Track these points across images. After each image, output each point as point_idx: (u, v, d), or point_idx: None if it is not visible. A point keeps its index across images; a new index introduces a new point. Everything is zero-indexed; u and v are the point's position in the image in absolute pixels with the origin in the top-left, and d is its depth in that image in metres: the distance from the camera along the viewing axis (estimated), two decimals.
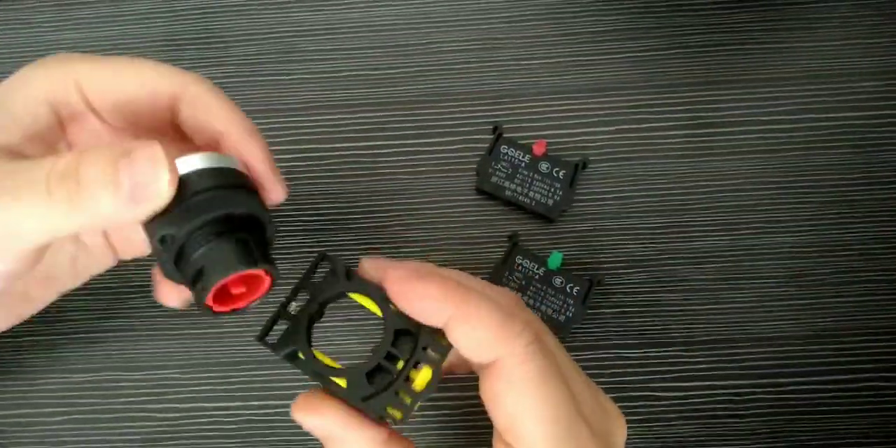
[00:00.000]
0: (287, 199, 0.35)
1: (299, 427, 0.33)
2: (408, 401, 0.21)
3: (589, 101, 0.36)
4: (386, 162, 0.36)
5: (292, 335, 0.22)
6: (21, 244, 0.18)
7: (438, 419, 0.32)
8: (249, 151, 0.21)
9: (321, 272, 0.22)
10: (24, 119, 0.20)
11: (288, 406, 0.33)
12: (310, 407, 0.20)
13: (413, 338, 0.21)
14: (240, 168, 0.21)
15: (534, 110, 0.36)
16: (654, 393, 0.33)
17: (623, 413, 0.32)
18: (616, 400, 0.33)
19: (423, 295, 0.19)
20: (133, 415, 0.33)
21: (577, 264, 0.34)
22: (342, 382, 0.22)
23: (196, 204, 0.19)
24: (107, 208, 0.17)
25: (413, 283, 0.19)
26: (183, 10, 0.38)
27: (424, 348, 0.21)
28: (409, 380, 0.21)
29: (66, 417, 0.33)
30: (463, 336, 0.19)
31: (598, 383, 0.33)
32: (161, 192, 0.17)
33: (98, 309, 0.34)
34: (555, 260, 0.32)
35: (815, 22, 0.37)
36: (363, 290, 0.22)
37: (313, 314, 0.22)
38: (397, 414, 0.21)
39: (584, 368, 0.33)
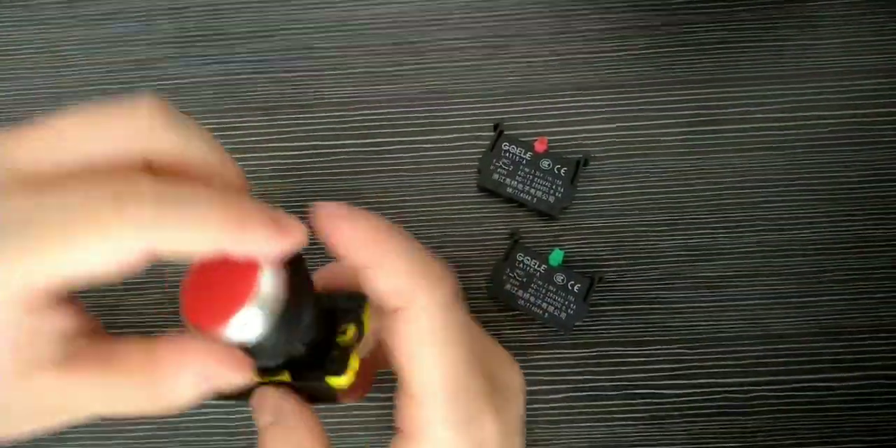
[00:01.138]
0: (290, 196, 0.35)
1: None
2: (337, 353, 0.21)
3: (591, 98, 0.36)
4: (388, 159, 0.36)
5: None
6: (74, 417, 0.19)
7: None
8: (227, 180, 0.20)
9: None
10: (25, 338, 0.18)
11: None
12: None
13: (333, 314, 0.22)
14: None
15: (536, 107, 0.36)
16: (657, 391, 0.33)
17: (626, 411, 0.33)
18: (618, 397, 0.33)
19: (351, 234, 0.19)
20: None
21: (578, 261, 0.34)
22: (286, 377, 0.21)
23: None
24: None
25: (344, 221, 0.19)
26: (189, 6, 0.38)
27: (346, 315, 0.22)
28: (338, 344, 0.22)
29: None
30: (383, 279, 0.19)
31: (600, 380, 0.33)
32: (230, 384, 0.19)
33: (106, 305, 0.34)
34: (556, 257, 0.32)
35: (818, 20, 0.37)
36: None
37: None
38: (341, 380, 0.21)
39: (585, 365, 0.33)
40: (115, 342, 0.19)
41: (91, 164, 0.17)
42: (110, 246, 0.16)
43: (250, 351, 0.19)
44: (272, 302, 0.18)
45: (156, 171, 0.19)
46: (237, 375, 0.18)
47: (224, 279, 0.18)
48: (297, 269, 0.19)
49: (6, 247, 0.16)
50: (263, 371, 0.21)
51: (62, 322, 0.18)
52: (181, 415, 0.33)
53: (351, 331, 0.22)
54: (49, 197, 0.16)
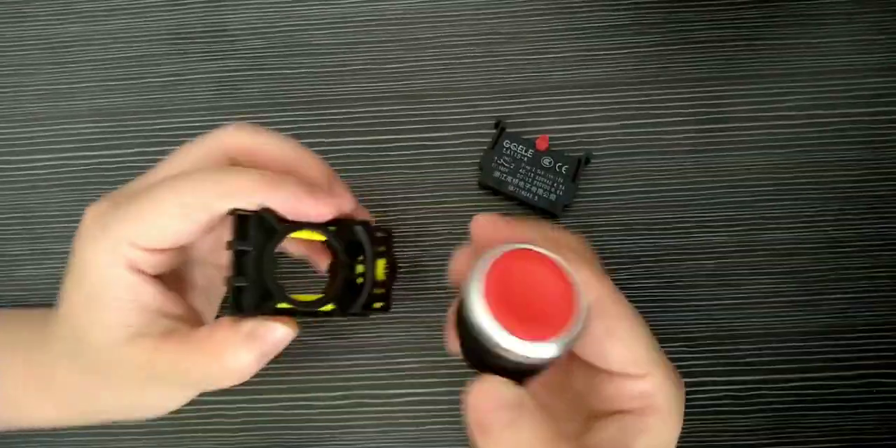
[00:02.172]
0: None
1: (299, 422, 0.33)
2: (380, 291, 0.26)
3: (593, 96, 0.36)
4: (389, 156, 0.36)
5: (264, 292, 0.23)
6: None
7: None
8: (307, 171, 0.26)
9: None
10: (131, 302, 0.23)
11: (290, 400, 0.33)
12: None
13: (361, 246, 0.25)
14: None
15: (538, 105, 0.36)
16: None
17: None
18: None
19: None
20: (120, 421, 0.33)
21: None
22: (329, 308, 0.24)
23: None
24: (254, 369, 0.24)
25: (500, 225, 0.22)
26: (189, 2, 0.38)
27: (374, 249, 0.25)
28: (373, 278, 0.25)
29: None
30: (620, 349, 0.21)
31: None
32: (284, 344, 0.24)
33: None
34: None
35: (821, 18, 0.37)
36: (298, 225, 0.23)
37: (269, 266, 0.23)
38: (380, 305, 0.26)
39: None
40: (200, 328, 0.23)
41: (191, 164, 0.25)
42: (182, 204, 0.22)
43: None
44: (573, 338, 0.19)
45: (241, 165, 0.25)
46: (282, 332, 0.23)
47: (534, 291, 0.19)
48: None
49: (111, 221, 0.23)
50: (312, 310, 0.24)
51: (162, 299, 0.23)
52: (184, 411, 0.33)
53: (382, 265, 0.25)
54: (143, 190, 0.23)
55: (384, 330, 0.34)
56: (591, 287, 0.20)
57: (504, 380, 0.19)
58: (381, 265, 0.25)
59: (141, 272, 0.23)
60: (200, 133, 0.36)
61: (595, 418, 0.22)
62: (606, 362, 0.21)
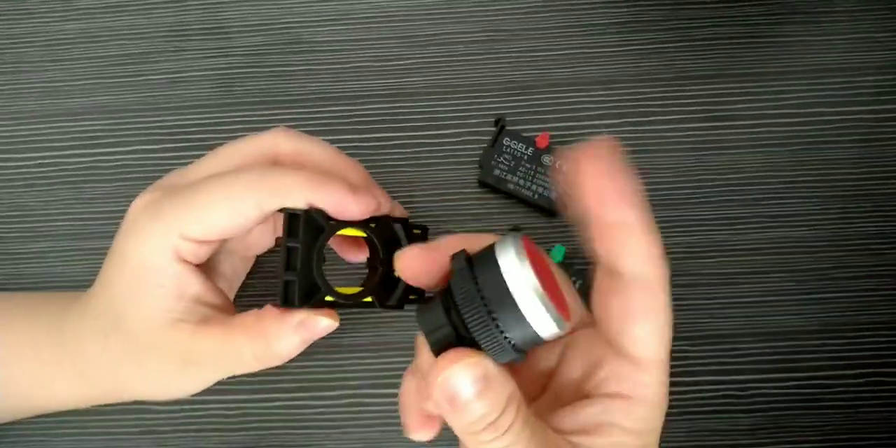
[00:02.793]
0: None
1: (298, 422, 0.33)
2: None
3: (594, 93, 0.36)
4: (389, 154, 0.36)
5: (311, 287, 0.24)
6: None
7: None
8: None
9: None
10: (174, 289, 0.25)
11: (288, 399, 0.33)
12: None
13: (398, 242, 0.26)
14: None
15: (538, 102, 0.36)
16: None
17: None
18: None
19: (610, 186, 0.19)
20: (133, 407, 0.33)
21: (579, 258, 0.34)
22: (369, 299, 0.25)
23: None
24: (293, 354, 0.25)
25: (607, 174, 0.19)
26: (187, 0, 0.38)
27: (411, 244, 0.25)
28: None
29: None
30: (635, 244, 0.20)
31: None
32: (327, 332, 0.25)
33: None
34: (557, 253, 0.32)
35: (822, 16, 0.37)
36: (343, 224, 0.24)
37: (318, 262, 0.24)
38: (414, 297, 0.26)
39: None
40: (237, 315, 0.25)
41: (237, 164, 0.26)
42: (232, 200, 0.23)
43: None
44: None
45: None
46: (327, 323, 0.24)
47: (547, 277, 0.20)
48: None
49: (163, 211, 0.24)
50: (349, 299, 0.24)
51: (201, 288, 0.25)
52: (180, 411, 0.33)
53: None
54: (194, 184, 0.24)
55: (384, 329, 0.34)
56: (657, 265, 0.20)
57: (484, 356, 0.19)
58: None
59: (185, 261, 0.24)
60: (199, 130, 0.36)
61: (576, 400, 0.22)
62: (630, 341, 0.21)
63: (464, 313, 0.19)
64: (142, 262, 0.24)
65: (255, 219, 0.24)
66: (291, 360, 0.33)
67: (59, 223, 0.35)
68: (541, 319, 0.19)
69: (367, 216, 0.25)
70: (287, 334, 0.24)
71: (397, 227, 0.26)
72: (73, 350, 0.27)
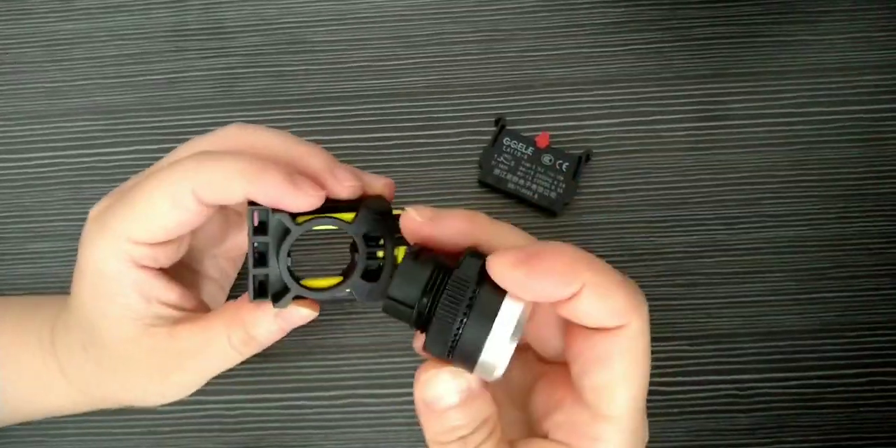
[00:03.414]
0: None
1: (296, 422, 0.33)
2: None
3: (594, 93, 0.36)
4: (389, 154, 0.36)
5: (284, 283, 0.23)
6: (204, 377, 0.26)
7: None
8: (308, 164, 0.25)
9: None
10: (138, 296, 0.24)
11: (286, 399, 0.33)
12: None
13: (382, 228, 0.24)
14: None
15: (538, 102, 0.36)
16: (658, 387, 0.33)
17: None
18: None
19: (549, 271, 0.18)
20: (132, 407, 0.33)
21: None
22: (347, 292, 0.24)
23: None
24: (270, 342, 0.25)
25: (534, 263, 0.18)
26: (187, 0, 0.38)
27: (392, 235, 0.24)
28: (394, 264, 0.23)
29: None
30: (600, 300, 0.18)
31: None
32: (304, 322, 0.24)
33: None
34: None
35: (820, 15, 0.37)
36: (315, 221, 0.23)
37: (283, 259, 0.23)
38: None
39: None
40: (211, 313, 0.25)
41: None
42: (169, 195, 0.22)
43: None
44: None
45: None
46: (305, 312, 0.24)
47: None
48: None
49: (109, 219, 0.23)
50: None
51: (167, 292, 0.24)
52: (180, 411, 0.33)
53: (402, 252, 0.24)
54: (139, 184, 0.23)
55: (381, 329, 0.33)
56: (627, 317, 0.19)
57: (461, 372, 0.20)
58: (401, 252, 0.24)
59: (144, 267, 0.24)
60: (198, 130, 0.36)
61: (535, 435, 0.21)
62: (588, 388, 0.19)
63: (446, 294, 0.19)
64: (99, 272, 0.24)
65: (198, 212, 0.23)
66: (290, 361, 0.33)
67: (57, 223, 0.35)
68: (495, 353, 0.19)
69: (312, 208, 0.23)
70: (265, 320, 0.24)
71: (375, 217, 0.24)
72: (60, 360, 0.27)
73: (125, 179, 0.35)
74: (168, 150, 0.36)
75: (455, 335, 0.19)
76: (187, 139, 0.36)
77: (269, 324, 0.24)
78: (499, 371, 0.19)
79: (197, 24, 0.38)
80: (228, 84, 0.37)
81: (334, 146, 0.36)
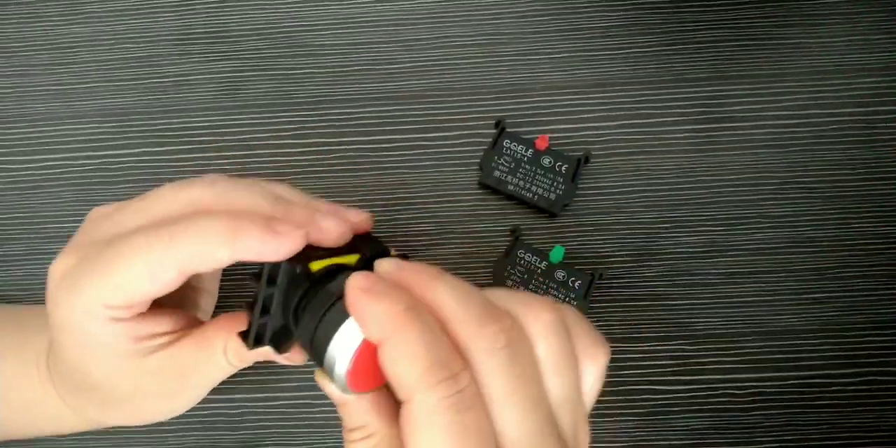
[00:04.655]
0: None
1: (298, 421, 0.33)
2: None
3: (593, 95, 0.36)
4: (391, 156, 0.36)
5: (283, 327, 0.23)
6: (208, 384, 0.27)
7: None
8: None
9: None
10: (124, 340, 0.24)
11: (289, 398, 0.33)
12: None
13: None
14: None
15: (538, 104, 0.36)
16: (657, 387, 0.33)
17: (626, 407, 0.33)
18: (619, 393, 0.33)
19: (371, 308, 0.19)
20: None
21: (579, 258, 0.34)
22: None
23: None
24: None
25: (369, 296, 0.19)
26: (193, 4, 0.39)
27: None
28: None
29: None
30: (387, 363, 0.19)
31: None
32: None
33: None
34: (557, 254, 0.33)
35: (820, 18, 0.37)
36: (325, 279, 0.23)
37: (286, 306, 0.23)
38: None
39: None
40: (207, 327, 0.25)
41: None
42: (148, 268, 0.22)
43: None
44: None
45: None
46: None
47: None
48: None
49: (80, 284, 0.22)
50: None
51: (153, 324, 0.24)
52: None
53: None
54: (109, 246, 0.23)
55: None
56: (404, 385, 0.18)
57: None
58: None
59: (122, 320, 0.23)
60: (204, 132, 0.36)
61: None
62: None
63: (313, 302, 0.21)
64: (78, 329, 0.23)
65: (178, 281, 0.22)
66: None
67: (65, 225, 0.36)
68: (334, 360, 0.20)
69: (297, 250, 0.22)
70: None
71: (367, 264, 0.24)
72: (60, 395, 0.27)
73: (133, 181, 0.36)
74: (175, 153, 0.36)
75: (310, 339, 0.21)
76: (194, 141, 0.36)
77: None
78: (339, 376, 0.20)
79: (202, 28, 0.38)
80: (233, 87, 0.37)
81: (338, 148, 0.36)
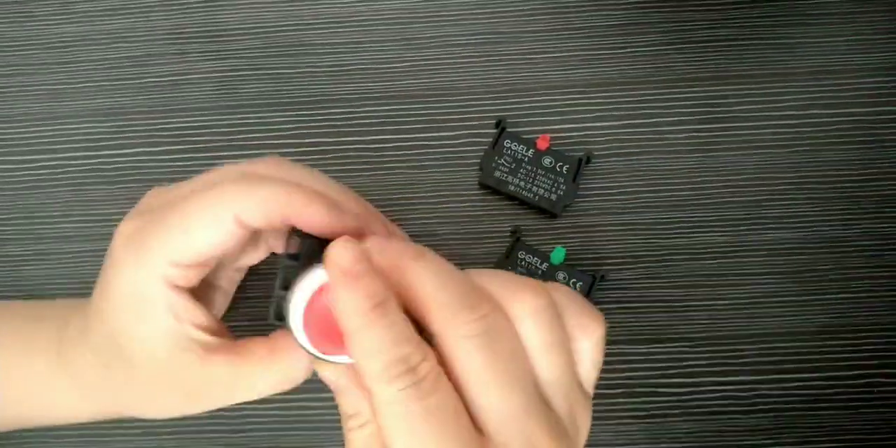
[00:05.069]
0: None
1: (298, 422, 0.33)
2: None
3: (594, 95, 0.36)
4: (390, 156, 0.36)
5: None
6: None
7: None
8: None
9: None
10: (172, 318, 0.24)
11: (288, 400, 0.33)
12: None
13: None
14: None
15: (538, 104, 0.36)
16: (658, 389, 0.33)
17: (626, 409, 0.33)
18: (619, 395, 0.33)
19: (341, 297, 0.19)
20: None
21: (580, 260, 0.34)
22: None
23: None
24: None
25: (343, 280, 0.19)
26: (188, 2, 0.38)
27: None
28: None
29: None
30: (353, 355, 0.19)
31: (601, 378, 0.33)
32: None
33: None
34: (558, 255, 0.32)
35: (821, 17, 0.37)
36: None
37: None
38: None
39: None
40: (242, 341, 0.25)
41: None
42: (213, 217, 0.22)
43: None
44: None
45: None
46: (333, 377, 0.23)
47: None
48: None
49: (148, 240, 0.23)
50: None
51: (196, 312, 0.24)
52: None
53: None
54: (172, 207, 0.23)
55: None
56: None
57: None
58: None
59: (177, 287, 0.24)
60: (201, 132, 0.36)
61: None
62: None
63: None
64: (135, 294, 0.23)
65: (238, 235, 0.23)
66: None
67: (60, 225, 0.36)
68: (290, 314, 0.20)
69: (347, 232, 0.23)
70: (301, 364, 0.24)
71: None
72: (72, 373, 0.26)
73: (129, 181, 0.36)
74: (171, 153, 0.36)
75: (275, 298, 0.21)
76: (190, 141, 0.36)
77: (304, 366, 0.24)
78: (297, 334, 0.21)
79: (197, 27, 0.38)
80: (230, 87, 0.37)
81: (336, 148, 0.36)
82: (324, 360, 0.21)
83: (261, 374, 0.24)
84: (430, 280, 0.20)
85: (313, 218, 0.22)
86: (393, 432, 0.19)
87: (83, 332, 0.26)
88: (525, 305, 0.20)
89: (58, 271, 0.35)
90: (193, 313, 0.24)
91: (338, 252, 0.19)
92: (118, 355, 0.25)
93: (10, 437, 0.33)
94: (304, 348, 0.21)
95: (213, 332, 0.25)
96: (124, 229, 0.24)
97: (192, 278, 0.24)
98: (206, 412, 0.33)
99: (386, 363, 0.19)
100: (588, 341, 0.21)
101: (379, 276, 0.20)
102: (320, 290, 0.20)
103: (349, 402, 0.22)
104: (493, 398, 0.19)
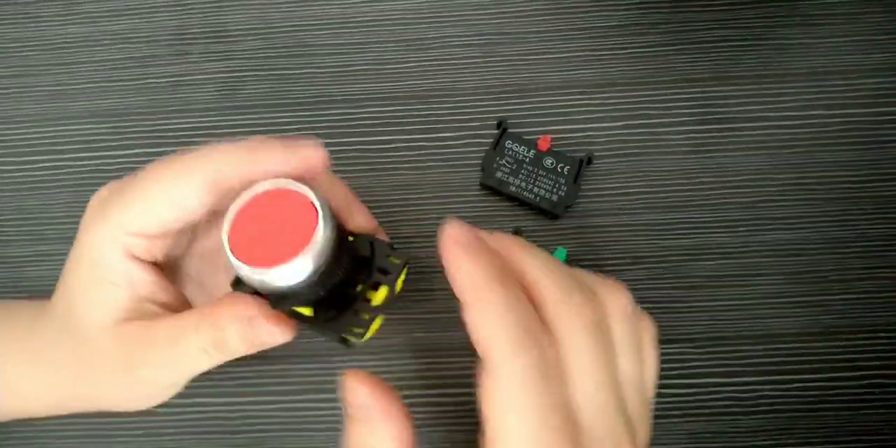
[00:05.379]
0: None
1: (298, 424, 0.33)
2: (366, 317, 0.23)
3: (595, 96, 0.36)
4: (392, 157, 0.36)
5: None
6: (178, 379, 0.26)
7: (447, 417, 0.32)
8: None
9: None
10: (126, 287, 0.24)
11: (288, 401, 0.33)
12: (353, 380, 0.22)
13: (369, 263, 0.23)
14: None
15: (540, 105, 0.36)
16: (659, 389, 0.33)
17: None
18: None
19: (465, 267, 0.19)
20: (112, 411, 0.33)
21: (581, 260, 0.34)
22: (308, 311, 0.23)
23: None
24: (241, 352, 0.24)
25: (464, 252, 0.19)
26: (191, 3, 0.38)
27: (381, 271, 0.23)
28: (367, 300, 0.23)
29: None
30: (474, 326, 0.19)
31: None
32: (275, 342, 0.24)
33: None
34: (559, 256, 0.32)
35: (821, 18, 0.37)
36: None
37: None
38: (359, 331, 0.23)
39: None
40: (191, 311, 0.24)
41: None
42: (168, 190, 0.22)
43: (280, 293, 0.21)
44: (321, 255, 0.20)
45: None
46: (278, 331, 0.23)
47: (279, 222, 0.20)
48: (337, 224, 0.22)
49: (109, 208, 0.23)
50: (285, 301, 0.22)
51: (155, 286, 0.24)
52: (181, 413, 0.33)
53: (383, 293, 0.23)
54: (135, 177, 0.24)
55: (384, 332, 0.34)
56: (480, 347, 0.19)
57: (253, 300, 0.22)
58: (381, 292, 0.23)
59: (136, 258, 0.24)
60: (202, 133, 0.36)
61: None
62: (486, 425, 0.20)
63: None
64: (93, 260, 0.24)
65: (200, 207, 0.23)
66: (292, 363, 0.33)
67: (61, 227, 0.36)
68: (245, 275, 0.20)
69: (316, 169, 0.23)
70: (238, 323, 0.23)
71: (369, 244, 0.24)
72: (38, 358, 0.26)
73: None
74: (172, 153, 0.36)
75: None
76: (192, 142, 0.36)
77: (241, 327, 0.23)
78: (225, 245, 0.21)
79: (200, 27, 0.38)
80: (232, 87, 0.37)
81: (337, 149, 0.36)
82: (249, 276, 0.21)
83: (194, 331, 0.23)
84: (538, 266, 0.20)
85: (278, 160, 0.22)
86: (502, 405, 0.18)
87: (51, 310, 0.26)
88: (618, 303, 0.21)
89: (57, 273, 0.35)
90: (153, 288, 0.24)
91: (455, 228, 0.20)
92: (70, 324, 0.25)
93: (11, 436, 0.33)
94: (231, 261, 0.21)
95: (170, 308, 0.25)
96: (94, 199, 0.25)
97: (155, 252, 0.24)
98: (207, 412, 0.33)
99: (517, 335, 0.18)
100: (649, 345, 0.22)
101: (494, 252, 0.20)
102: (248, 205, 0.21)
103: (355, 397, 0.21)
104: (590, 388, 0.19)
